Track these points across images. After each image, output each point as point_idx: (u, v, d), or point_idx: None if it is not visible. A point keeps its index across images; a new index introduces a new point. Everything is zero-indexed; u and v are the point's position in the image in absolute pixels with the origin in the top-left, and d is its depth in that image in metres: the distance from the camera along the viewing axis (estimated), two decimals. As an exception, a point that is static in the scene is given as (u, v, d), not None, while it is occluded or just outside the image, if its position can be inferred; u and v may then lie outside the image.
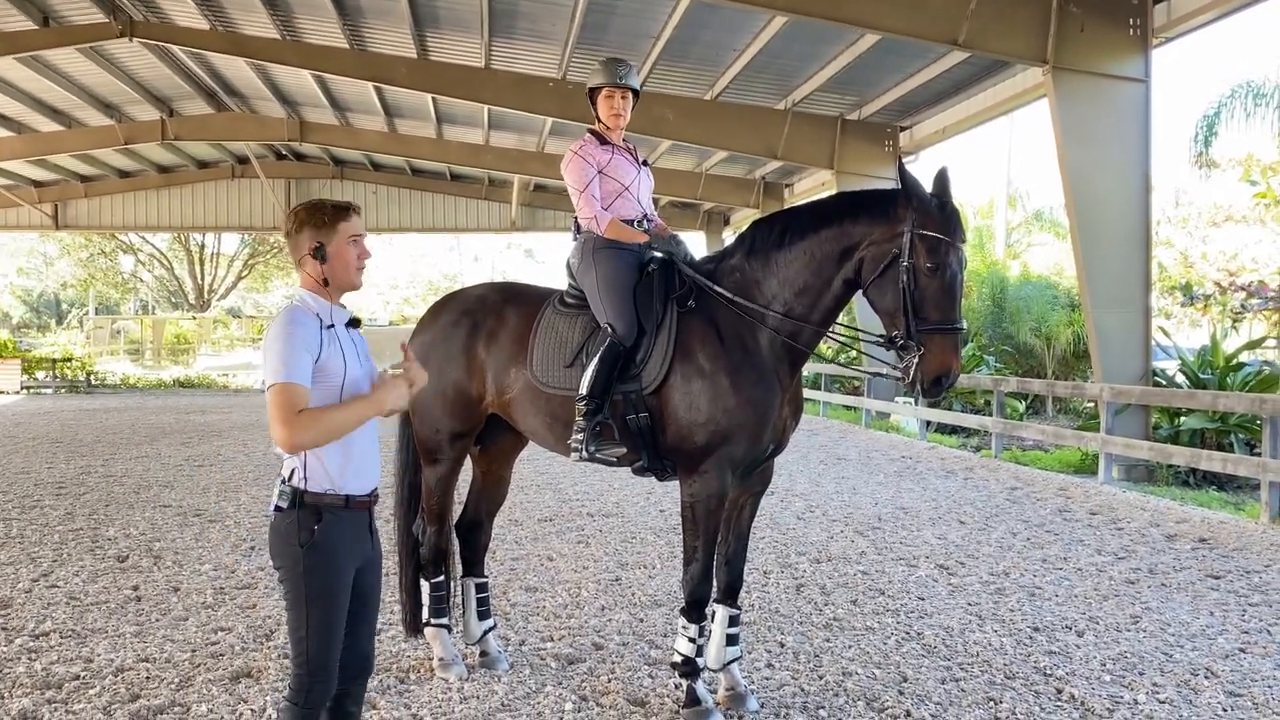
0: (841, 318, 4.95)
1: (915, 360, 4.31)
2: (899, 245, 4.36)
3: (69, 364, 32.97)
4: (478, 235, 37.69)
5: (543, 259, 70.47)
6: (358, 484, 3.26)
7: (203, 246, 49.46)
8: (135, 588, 7.10)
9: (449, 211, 34.18)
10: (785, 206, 27.14)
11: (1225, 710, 4.85)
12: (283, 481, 3.24)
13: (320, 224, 3.23)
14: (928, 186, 4.50)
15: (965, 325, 4.47)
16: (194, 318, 47.93)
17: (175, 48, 20.01)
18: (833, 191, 21.00)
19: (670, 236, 5.09)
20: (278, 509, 3.22)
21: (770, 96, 19.72)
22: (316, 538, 3.15)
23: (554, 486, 11.50)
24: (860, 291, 4.59)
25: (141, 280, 56.97)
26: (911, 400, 18.55)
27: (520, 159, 27.34)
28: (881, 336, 4.59)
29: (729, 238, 33.48)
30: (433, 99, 22.24)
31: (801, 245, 4.63)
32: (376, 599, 3.45)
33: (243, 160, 32.42)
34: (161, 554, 8.18)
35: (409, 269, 71.34)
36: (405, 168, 32.40)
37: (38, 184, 32.34)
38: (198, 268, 49.76)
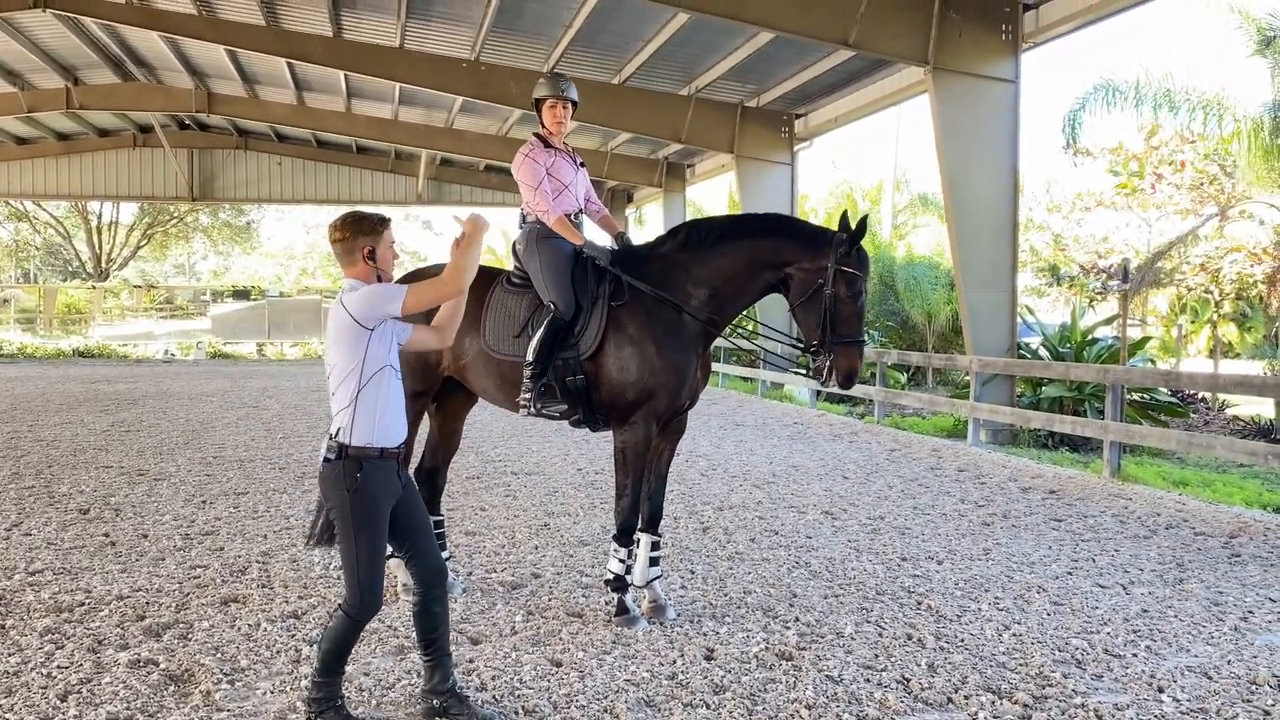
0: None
1: (828, 363, 5.53)
2: (824, 276, 5.50)
3: (-39, 333, 32.43)
4: (383, 208, 37.89)
5: (440, 230, 70.09)
6: (389, 439, 4.14)
7: (99, 215, 48.55)
8: (106, 534, 7.82)
9: (355, 184, 34.48)
10: (687, 185, 28.26)
11: (1049, 615, 6.04)
12: (330, 438, 4.11)
13: (372, 232, 4.13)
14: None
15: (865, 338, 5.74)
16: (92, 287, 47.09)
17: (87, 19, 20.10)
18: (732, 173, 22.19)
19: (616, 234, 6.08)
20: (327, 460, 4.09)
21: (675, 83, 20.73)
22: (360, 483, 4.04)
23: (476, 449, 12.39)
24: (788, 308, 5.74)
25: (36, 248, 55.58)
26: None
27: (429, 134, 27.92)
28: (799, 343, 5.86)
29: (631, 215, 34.49)
30: (344, 74, 22.69)
31: (739, 243, 5.69)
32: (425, 521, 4.35)
33: (145, 129, 32.23)
34: (120, 507, 8.88)
35: (305, 239, 70.78)
36: (311, 140, 32.58)
37: (-70, 150, 31.76)
38: (95, 237, 48.85)
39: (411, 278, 6.33)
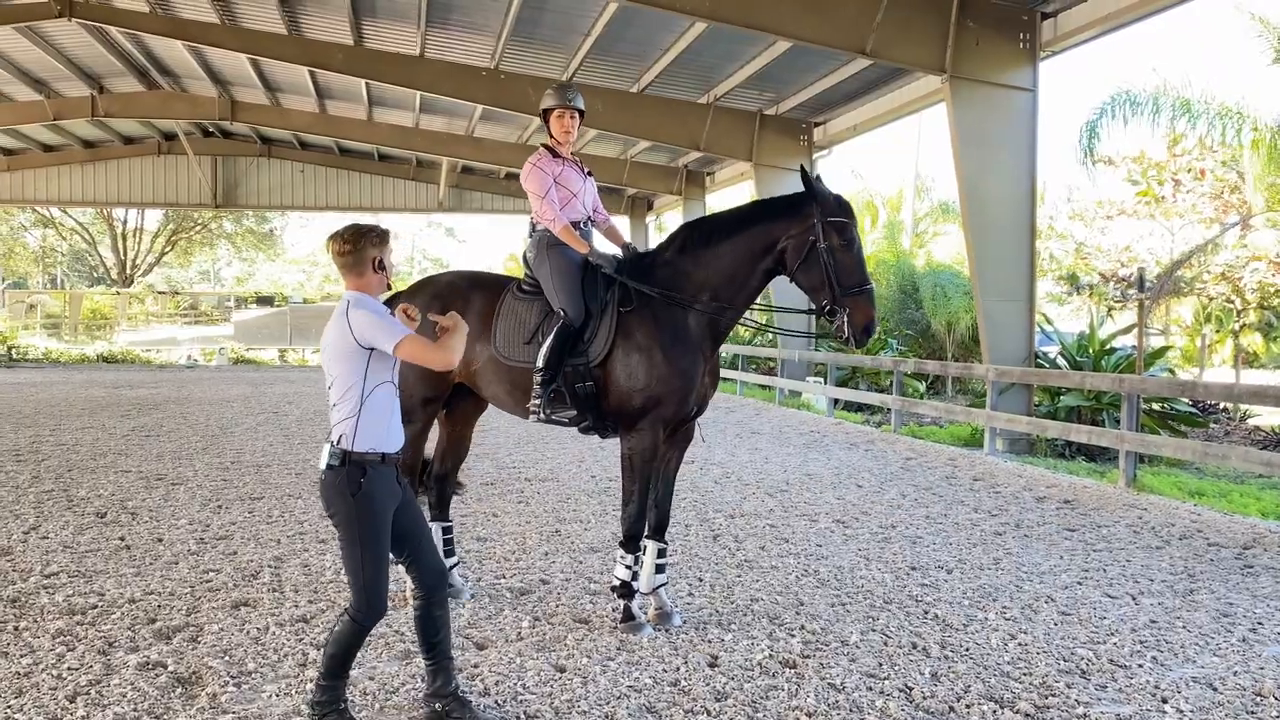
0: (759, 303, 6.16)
1: (844, 319, 5.54)
2: (814, 233, 5.56)
3: (-10, 338, 32.82)
4: (405, 215, 38.14)
5: (462, 238, 70.39)
6: (390, 444, 4.19)
7: (124, 221, 49.07)
8: (121, 538, 7.90)
9: (376, 191, 34.69)
10: (706, 193, 28.31)
11: (1056, 624, 6.03)
12: (332, 445, 4.14)
13: (381, 243, 4.21)
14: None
15: (873, 284, 5.73)
16: (117, 292, 47.56)
17: (112, 28, 20.33)
18: (751, 181, 22.23)
19: (623, 245, 6.12)
20: (330, 467, 4.12)
21: (693, 91, 20.78)
22: (364, 488, 4.08)
23: (492, 456, 12.44)
24: (787, 278, 5.76)
25: (61, 255, 56.17)
26: (821, 380, 19.82)
27: (450, 142, 28.07)
28: (810, 310, 5.90)
29: (651, 222, 34.53)
30: (366, 83, 22.86)
31: (729, 242, 5.75)
32: (424, 526, 4.42)
33: (169, 136, 32.56)
34: (137, 511, 8.97)
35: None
36: (333, 147, 32.82)
37: (-41, 158, 32.18)
38: (120, 243, 49.37)
39: (418, 288, 6.41)
